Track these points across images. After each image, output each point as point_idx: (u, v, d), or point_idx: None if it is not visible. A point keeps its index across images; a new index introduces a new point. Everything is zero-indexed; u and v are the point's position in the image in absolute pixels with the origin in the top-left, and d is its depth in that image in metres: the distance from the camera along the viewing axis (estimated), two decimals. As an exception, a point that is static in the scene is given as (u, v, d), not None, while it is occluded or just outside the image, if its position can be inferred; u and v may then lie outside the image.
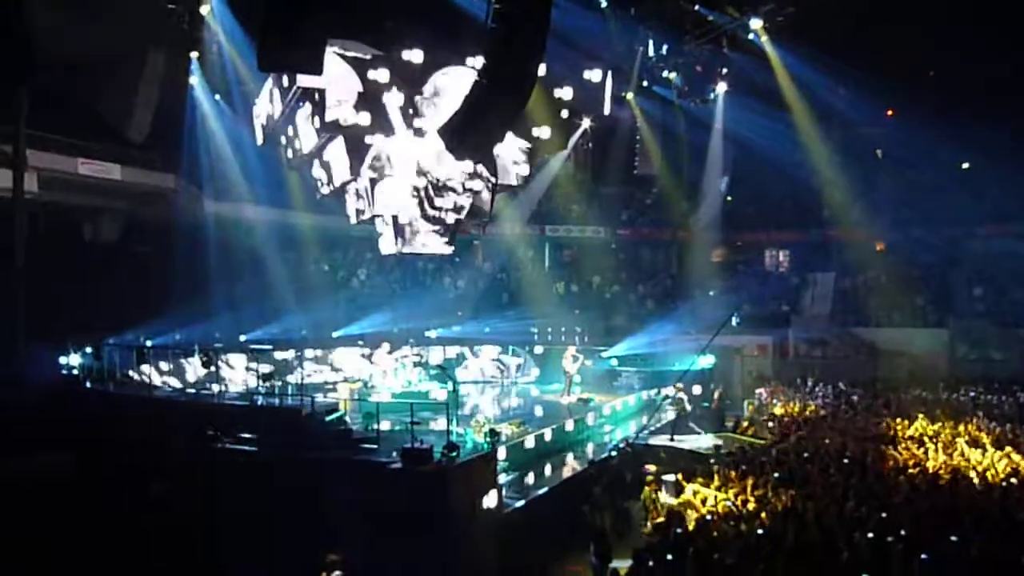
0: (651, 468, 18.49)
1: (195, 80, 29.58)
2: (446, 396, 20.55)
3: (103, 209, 30.90)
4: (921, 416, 22.77)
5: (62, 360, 22.75)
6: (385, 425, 17.51)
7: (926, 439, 20.21)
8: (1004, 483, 15.74)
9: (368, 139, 21.00)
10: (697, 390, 25.30)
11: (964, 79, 31.79)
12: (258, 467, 14.86)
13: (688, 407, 22.53)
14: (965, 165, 36.26)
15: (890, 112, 36.33)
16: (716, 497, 15.53)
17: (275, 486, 14.30)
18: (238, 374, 23.01)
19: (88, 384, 21.40)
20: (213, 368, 21.91)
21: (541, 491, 16.38)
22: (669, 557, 11.88)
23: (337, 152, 21.65)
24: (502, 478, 15.60)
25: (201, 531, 14.64)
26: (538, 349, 29.42)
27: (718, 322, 27.37)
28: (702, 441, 21.15)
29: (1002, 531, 12.19)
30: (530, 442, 18.33)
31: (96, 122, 28.89)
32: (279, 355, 25.23)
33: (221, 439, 15.92)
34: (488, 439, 15.44)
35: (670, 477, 17.43)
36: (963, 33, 28.78)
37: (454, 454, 14.08)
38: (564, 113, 22.69)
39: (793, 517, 13.48)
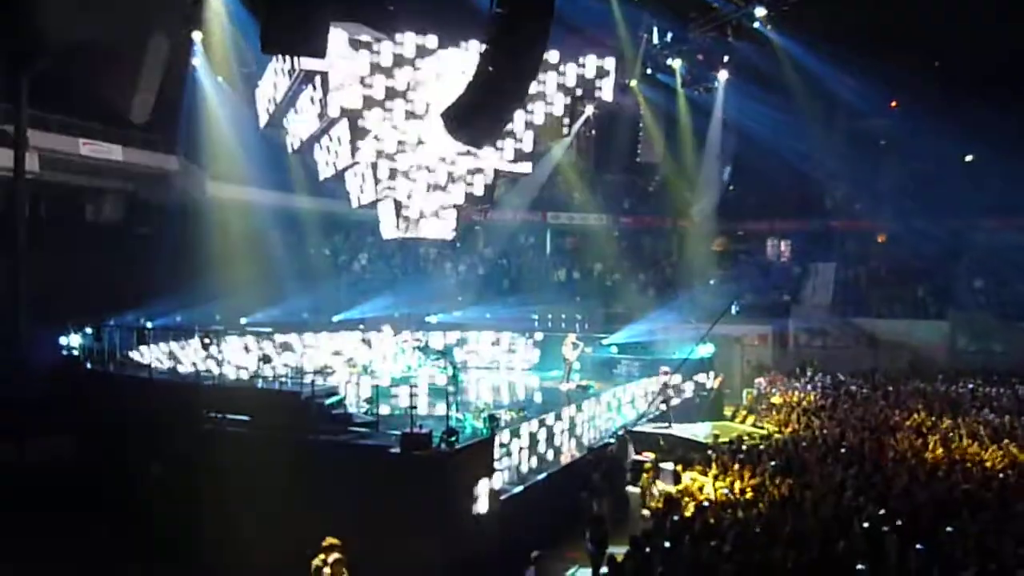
0: (649, 456, 18.56)
1: (198, 62, 29.49)
2: (446, 381, 20.58)
3: (105, 190, 30.91)
4: (920, 407, 22.81)
5: (62, 341, 22.77)
6: (384, 409, 17.54)
7: (924, 430, 20.25)
8: (1001, 475, 15.78)
9: (370, 123, 20.94)
10: (698, 378, 25.33)
11: (970, 70, 31.70)
12: (256, 450, 14.85)
13: (672, 393, 22.50)
14: (969, 157, 36.18)
15: (894, 103, 36.25)
16: (714, 485, 15.58)
17: (273, 469, 14.30)
18: (238, 356, 23.01)
19: (88, 365, 21.41)
20: (213, 350, 21.91)
21: (539, 477, 16.40)
22: (666, 544, 11.92)
23: (339, 135, 21.58)
24: (501, 464, 15.61)
25: (199, 513, 14.69)
26: (538, 336, 29.41)
27: (718, 311, 27.38)
28: (700, 429, 21.17)
29: (999, 522, 12.22)
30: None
31: (98, 103, 28.86)
32: (279, 338, 25.23)
33: (219, 421, 15.93)
34: (487, 425, 15.45)
35: (668, 465, 17.49)
36: (969, 23, 28.68)
37: (453, 439, 14.09)
38: (567, 99, 22.58)
39: (790, 506, 13.53)
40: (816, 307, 35.50)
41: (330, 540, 11.63)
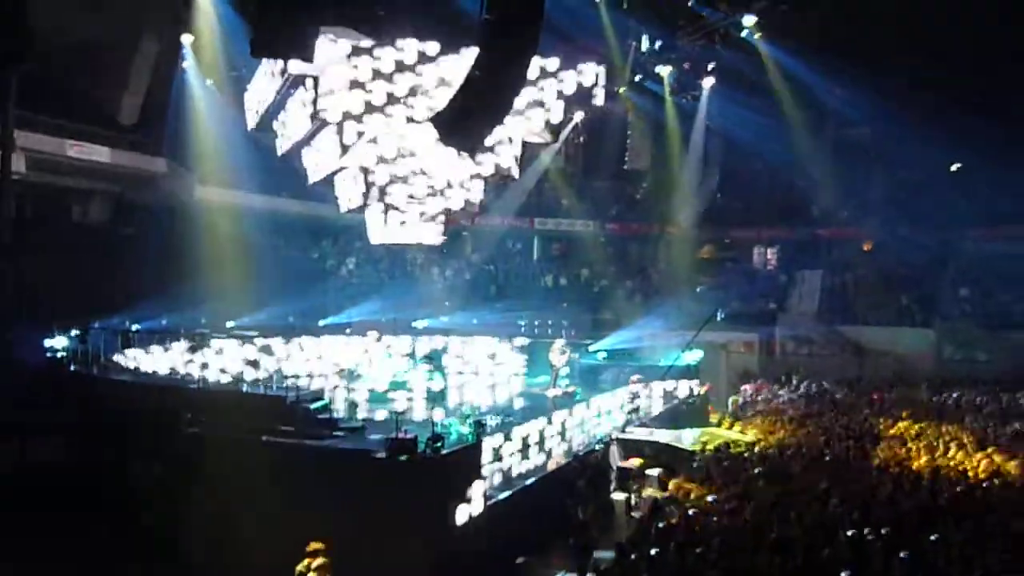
0: (635, 462, 18.56)
1: (187, 64, 29.44)
2: (432, 386, 20.54)
3: (92, 191, 30.79)
4: (905, 415, 22.89)
5: (47, 342, 22.64)
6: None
7: (909, 438, 20.32)
8: (985, 483, 15.85)
9: (360, 127, 20.92)
10: (685, 385, 25.40)
11: (956, 78, 31.89)
12: (241, 454, 14.81)
13: (643, 398, 22.51)
14: (955, 166, 36.39)
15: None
16: (699, 492, 15.60)
17: (258, 473, 14.26)
18: (224, 360, 22.94)
19: (72, 367, 21.30)
20: (198, 353, 21.83)
21: (525, 483, 16.38)
22: (652, 551, 11.92)
23: (328, 140, 21.56)
24: (487, 470, 15.60)
25: (183, 515, 14.63)
26: (525, 341, 29.39)
27: (703, 318, 27.43)
28: (686, 436, 21.19)
29: (983, 531, 12.27)
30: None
31: (86, 104, 28.81)
32: (265, 342, 25.16)
33: (204, 425, 15.88)
34: (473, 430, 15.44)
35: (654, 472, 17.51)
36: (956, 33, 28.88)
37: (439, 445, 14.08)
38: (556, 105, 22.62)
39: (775, 513, 13.55)
40: (802, 315, 35.61)
41: (315, 545, 11.61)
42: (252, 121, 24.75)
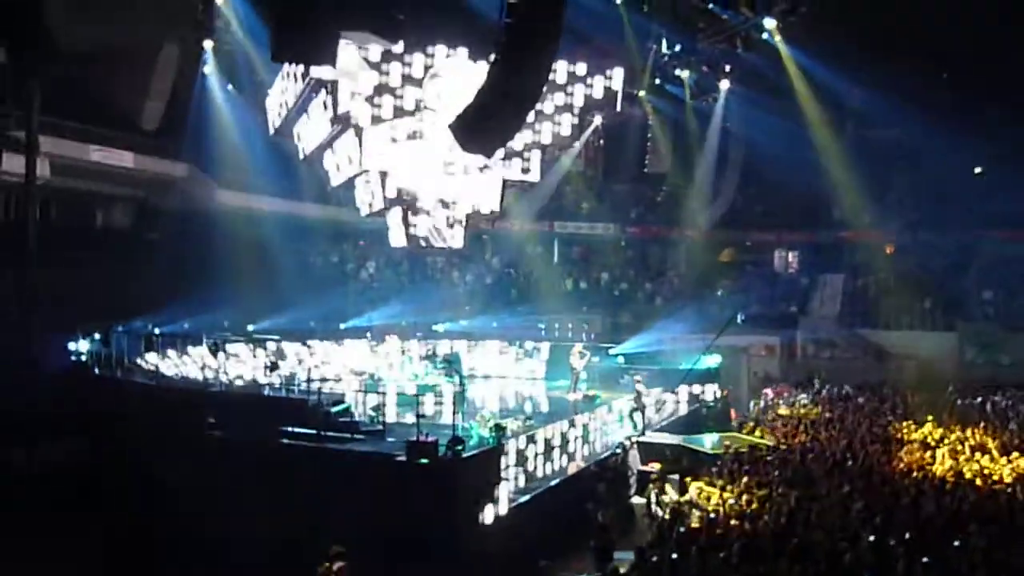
0: (655, 466, 18.50)
1: (208, 69, 29.64)
2: (453, 390, 20.56)
3: (115, 196, 31.04)
4: (928, 420, 22.71)
5: (71, 346, 22.85)
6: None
7: (932, 443, 20.16)
8: (1009, 488, 15.71)
9: (380, 132, 21.01)
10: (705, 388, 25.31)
11: (979, 80, 31.66)
12: (262, 457, 14.90)
13: (645, 400, 22.35)
14: (978, 169, 36.11)
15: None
16: (720, 496, 15.53)
17: (278, 476, 14.34)
18: (245, 364, 23.06)
19: (96, 370, 21.49)
20: (220, 357, 21.96)
21: (546, 487, 16.36)
22: (672, 555, 11.89)
23: (349, 144, 21.66)
24: (507, 473, 15.60)
25: (205, 518, 14.71)
26: (545, 345, 29.37)
27: (723, 322, 27.33)
28: (706, 440, 21.10)
29: (1007, 536, 12.17)
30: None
31: (109, 110, 29.04)
32: (286, 346, 25.27)
33: (225, 427, 15.96)
34: (494, 434, 15.45)
35: (674, 475, 17.45)
36: (978, 33, 28.67)
37: (459, 448, 14.10)
38: (576, 109, 22.64)
39: (797, 518, 13.48)
40: (824, 318, 35.43)
41: (336, 548, 11.65)
42: (273, 125, 24.91)
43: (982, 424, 22.45)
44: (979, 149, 33.08)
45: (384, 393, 19.21)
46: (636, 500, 17.84)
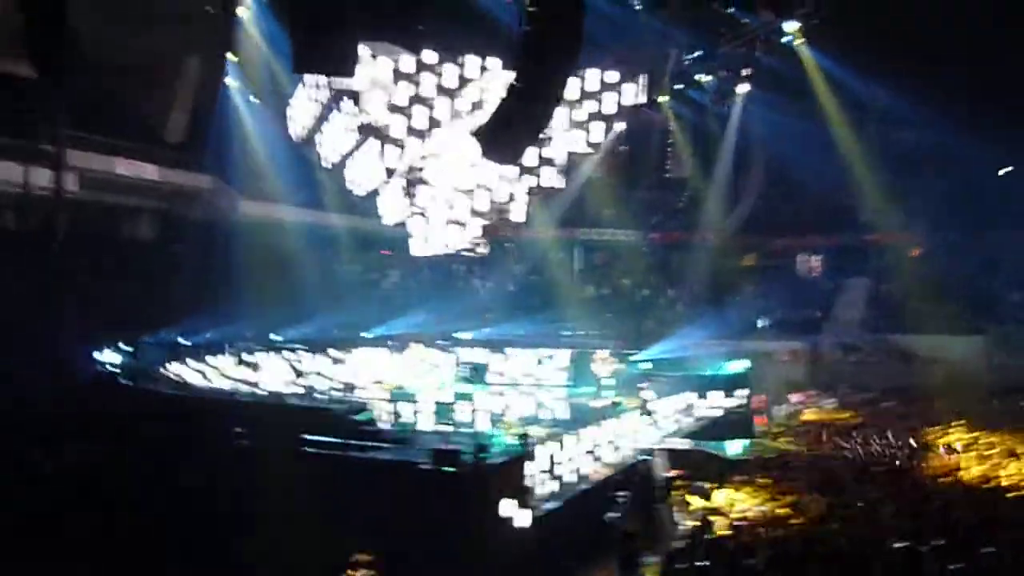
0: (681, 473, 18.40)
1: (231, 81, 29.85)
2: (477, 397, 20.54)
3: (140, 209, 31.31)
4: (956, 425, 22.47)
5: (97, 356, 23.05)
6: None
7: (961, 448, 19.95)
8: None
9: (403, 141, 21.09)
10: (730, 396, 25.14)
11: (1005, 81, 31.35)
12: (286, 466, 14.95)
13: (651, 408, 22.20)
14: (1007, 169, 35.75)
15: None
16: (747, 503, 15.45)
17: (303, 485, 14.37)
18: (269, 373, 23.18)
19: (123, 381, 21.66)
20: (244, 367, 22.08)
21: (571, 495, 16.31)
22: (699, 562, 11.83)
23: (371, 154, 21.76)
24: (532, 480, 15.57)
25: (231, 527, 14.77)
26: (569, 352, 29.31)
27: (746, 327, 27.16)
28: (733, 446, 20.99)
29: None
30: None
31: (134, 123, 29.31)
32: (310, 355, 25.37)
33: (250, 437, 16.03)
34: (519, 441, 15.43)
35: (701, 482, 17.35)
36: (1003, 36, 28.42)
37: (484, 456, 14.09)
38: (597, 115, 22.64)
39: (825, 524, 13.39)
40: (849, 323, 35.13)
41: (360, 555, 11.66)
42: (296, 135, 25.07)
43: (1013, 428, 22.20)
44: (1005, 149, 32.69)
45: (408, 402, 19.24)
46: (662, 507, 17.75)
